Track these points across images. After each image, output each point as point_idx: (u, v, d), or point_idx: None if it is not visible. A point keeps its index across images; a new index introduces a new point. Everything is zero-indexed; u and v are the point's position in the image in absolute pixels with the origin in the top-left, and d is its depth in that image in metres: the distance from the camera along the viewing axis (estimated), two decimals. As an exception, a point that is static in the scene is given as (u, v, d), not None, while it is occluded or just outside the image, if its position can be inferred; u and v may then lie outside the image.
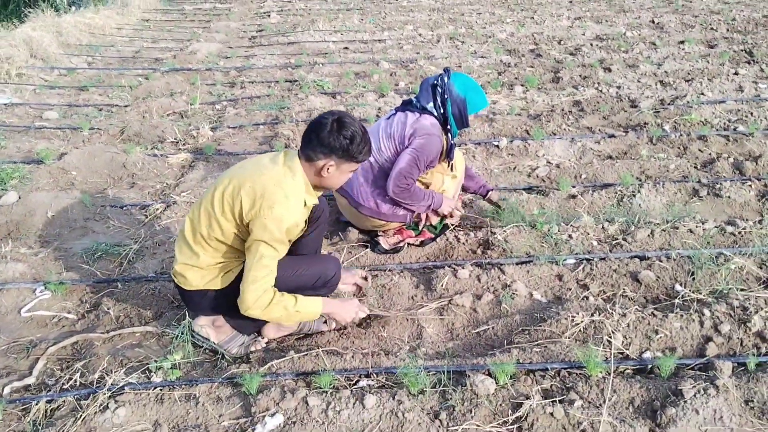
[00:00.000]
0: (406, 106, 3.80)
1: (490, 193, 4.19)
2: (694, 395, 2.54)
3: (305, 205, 2.85)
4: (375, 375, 2.79)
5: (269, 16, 13.93)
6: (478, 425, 2.49)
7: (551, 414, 2.51)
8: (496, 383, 2.67)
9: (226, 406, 2.65)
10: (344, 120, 2.78)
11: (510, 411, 2.55)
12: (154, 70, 8.88)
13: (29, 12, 11.63)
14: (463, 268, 3.59)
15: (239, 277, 2.82)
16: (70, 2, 13.20)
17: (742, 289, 3.27)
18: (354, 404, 2.58)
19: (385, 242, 3.91)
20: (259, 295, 2.71)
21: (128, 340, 3.17)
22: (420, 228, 3.94)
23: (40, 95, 7.80)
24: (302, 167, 2.83)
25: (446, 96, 3.64)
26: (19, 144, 5.88)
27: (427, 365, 2.82)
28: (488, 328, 3.17)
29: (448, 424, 2.51)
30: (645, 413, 2.54)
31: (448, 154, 3.81)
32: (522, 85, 7.34)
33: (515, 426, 2.50)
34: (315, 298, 2.92)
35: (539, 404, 2.54)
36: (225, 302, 2.90)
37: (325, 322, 3.19)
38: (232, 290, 2.83)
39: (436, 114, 3.69)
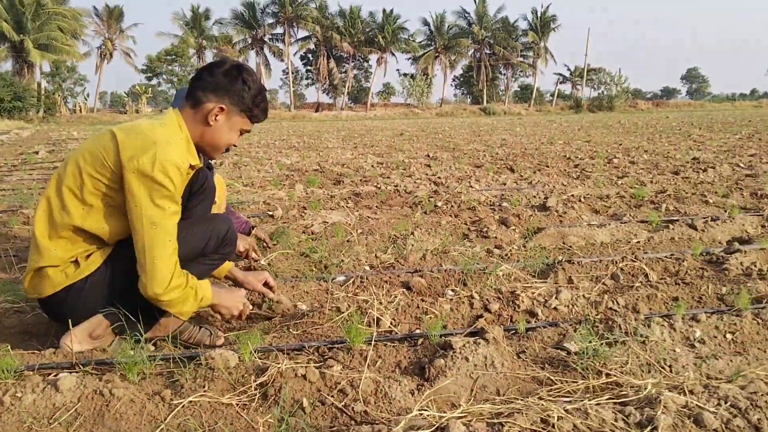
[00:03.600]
0: None
1: (254, 229, 3.85)
2: (464, 345, 2.26)
3: (187, 166, 2.28)
4: (81, 366, 2.16)
5: (37, 153, 13.08)
6: (210, 396, 1.96)
7: (303, 376, 2.07)
8: (241, 360, 2.19)
9: None
10: (246, 67, 2.38)
11: (254, 378, 2.06)
12: None
13: None
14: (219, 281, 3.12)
15: (111, 258, 2.29)
16: None
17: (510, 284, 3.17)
18: (44, 389, 1.93)
19: None
20: (169, 274, 2.19)
21: None
22: None
23: None
24: (183, 119, 2.33)
25: None
26: None
27: (153, 355, 2.26)
28: (245, 332, 2.69)
29: (171, 399, 1.95)
30: (413, 372, 2.20)
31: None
32: (303, 185, 7.33)
33: (260, 393, 2.01)
34: (204, 281, 2.42)
35: (289, 367, 2.09)
36: (102, 290, 2.29)
37: (211, 335, 2.55)
38: (104, 273, 2.28)
39: None
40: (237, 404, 1.96)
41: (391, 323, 2.64)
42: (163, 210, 2.17)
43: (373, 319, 2.62)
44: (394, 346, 2.37)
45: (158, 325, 2.49)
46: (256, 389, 2.02)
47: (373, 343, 2.36)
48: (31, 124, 36.56)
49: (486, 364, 2.19)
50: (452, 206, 5.68)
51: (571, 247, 4.10)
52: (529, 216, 5.09)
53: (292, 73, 68.62)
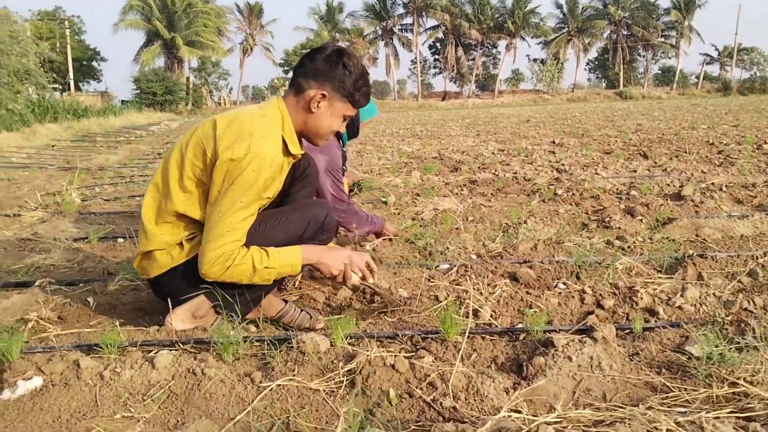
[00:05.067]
0: None
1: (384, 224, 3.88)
2: (567, 344, 2.08)
3: (287, 153, 2.32)
4: (181, 345, 2.21)
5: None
6: (299, 381, 1.93)
7: (392, 366, 1.99)
8: (332, 345, 2.14)
9: (-30, 377, 2.00)
10: (347, 51, 2.33)
11: (342, 364, 2.01)
12: (40, 168, 8.43)
13: None
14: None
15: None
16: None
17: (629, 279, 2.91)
18: (141, 366, 1.99)
19: None
20: (215, 258, 2.17)
21: None
22: None
23: None
24: (286, 107, 2.31)
25: None
26: None
27: (248, 336, 2.27)
28: (341, 316, 2.66)
29: (260, 381, 1.94)
30: (510, 369, 2.05)
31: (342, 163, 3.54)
32: (420, 172, 7.25)
33: (348, 380, 1.95)
34: (293, 247, 2.35)
35: (378, 356, 2.02)
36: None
37: (311, 318, 2.53)
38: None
39: None
40: (324, 390, 1.91)
41: (491, 315, 2.50)
42: (235, 202, 2.16)
43: (471, 310, 2.48)
44: (491, 340, 2.24)
45: (260, 306, 2.50)
46: (344, 376, 1.97)
47: (468, 335, 2.24)
48: (180, 116, 39.32)
49: (591, 366, 2.00)
50: (573, 194, 5.37)
51: (705, 240, 3.73)
52: (659, 206, 4.70)
53: (420, 62, 68.81)
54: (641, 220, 4.31)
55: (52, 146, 13.51)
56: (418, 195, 5.49)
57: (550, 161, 8.15)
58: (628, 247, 3.60)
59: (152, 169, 8.63)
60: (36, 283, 2.93)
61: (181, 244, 2.33)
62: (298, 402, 1.86)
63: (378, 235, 3.80)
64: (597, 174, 6.64)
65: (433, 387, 1.92)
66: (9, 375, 1.94)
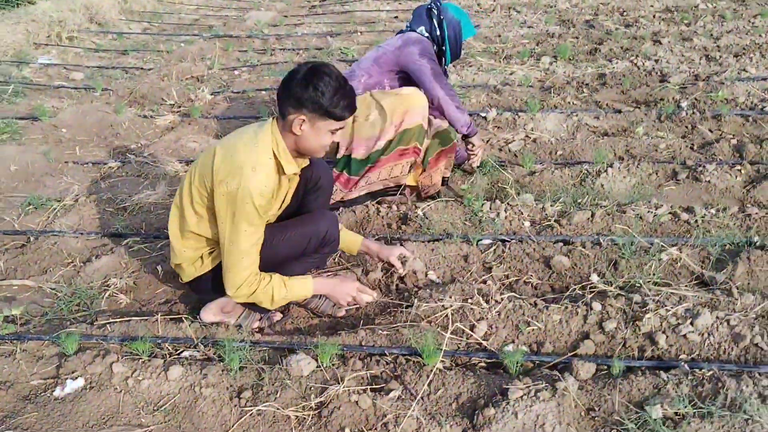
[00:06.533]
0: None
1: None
2: (520, 397, 2.21)
3: (282, 173, 2.54)
4: (203, 347, 2.64)
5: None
6: (277, 408, 2.29)
7: (356, 402, 2.27)
8: (319, 365, 2.45)
9: (42, 365, 2.56)
10: (319, 69, 2.39)
11: (314, 396, 2.33)
12: (197, 36, 9.05)
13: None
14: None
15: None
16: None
17: (656, 284, 2.82)
18: (159, 375, 2.45)
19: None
20: (239, 284, 2.51)
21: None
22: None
23: (81, 57, 8.13)
24: (279, 130, 2.49)
25: (441, 17, 3.67)
26: (33, 102, 6.06)
27: (262, 340, 2.65)
28: (360, 308, 2.94)
29: (246, 403, 2.33)
30: (465, 413, 2.25)
31: None
32: (552, 56, 6.83)
33: (316, 412, 2.28)
34: (305, 278, 2.68)
35: (345, 390, 2.31)
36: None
37: (333, 305, 2.93)
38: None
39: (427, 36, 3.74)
40: (296, 418, 2.26)
41: (485, 333, 2.62)
42: (240, 231, 2.43)
43: (470, 330, 2.63)
44: (463, 373, 2.40)
45: None
46: (315, 407, 2.29)
47: (448, 357, 2.43)
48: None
49: (535, 425, 2.13)
50: (695, 112, 4.87)
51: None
52: (777, 143, 4.19)
53: None
54: (740, 170, 3.90)
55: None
56: (526, 105, 5.27)
57: (710, 36, 7.22)
58: (696, 222, 3.38)
59: (294, 37, 8.89)
60: (123, 243, 3.49)
61: (202, 258, 2.70)
62: (270, 430, 2.23)
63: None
64: (744, 71, 5.85)
65: (386, 429, 2.19)
66: (63, 371, 2.47)
